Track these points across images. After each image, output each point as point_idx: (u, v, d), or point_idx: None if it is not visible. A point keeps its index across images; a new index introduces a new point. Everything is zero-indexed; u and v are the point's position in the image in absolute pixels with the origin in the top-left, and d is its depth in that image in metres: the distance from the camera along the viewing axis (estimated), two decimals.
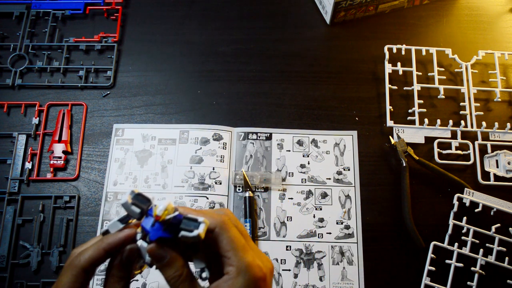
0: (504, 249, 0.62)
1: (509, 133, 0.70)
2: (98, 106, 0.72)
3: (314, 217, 0.65)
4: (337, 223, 0.65)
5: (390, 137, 0.69)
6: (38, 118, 0.70)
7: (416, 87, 0.72)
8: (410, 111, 0.72)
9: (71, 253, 0.37)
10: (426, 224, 0.65)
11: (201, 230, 0.35)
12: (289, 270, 0.62)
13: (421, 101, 0.71)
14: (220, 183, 0.66)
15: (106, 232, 0.37)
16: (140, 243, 0.36)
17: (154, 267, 0.37)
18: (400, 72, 0.74)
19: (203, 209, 0.37)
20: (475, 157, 0.69)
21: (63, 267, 0.36)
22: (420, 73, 0.74)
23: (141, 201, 0.36)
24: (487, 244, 0.63)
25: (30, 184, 0.67)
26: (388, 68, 0.74)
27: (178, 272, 0.36)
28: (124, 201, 0.36)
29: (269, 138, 0.70)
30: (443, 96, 0.72)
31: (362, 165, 0.68)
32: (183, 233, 0.35)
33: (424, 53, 0.75)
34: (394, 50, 0.75)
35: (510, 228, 0.64)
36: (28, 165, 0.67)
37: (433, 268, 0.62)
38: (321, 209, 0.66)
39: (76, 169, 0.68)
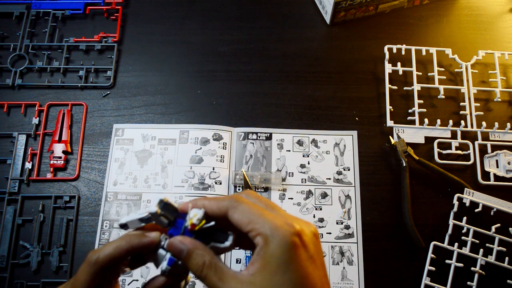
0: (504, 249, 0.62)
1: (509, 133, 0.70)
2: (98, 106, 0.72)
3: (314, 217, 0.65)
4: (337, 223, 0.65)
5: (390, 137, 0.69)
6: (38, 118, 0.70)
7: (416, 87, 0.72)
8: (410, 111, 0.72)
9: (89, 254, 0.35)
10: (426, 224, 0.65)
11: (230, 241, 0.34)
12: None
13: (421, 101, 0.71)
14: (220, 183, 0.66)
15: (124, 226, 0.36)
16: (159, 250, 0.35)
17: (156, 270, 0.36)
18: (400, 72, 0.74)
19: (217, 196, 0.35)
20: (475, 157, 0.69)
21: (81, 265, 0.35)
22: (420, 73, 0.74)
23: (169, 210, 0.36)
24: (487, 244, 0.63)
25: (30, 184, 0.67)
26: (388, 68, 0.74)
27: (201, 262, 0.33)
28: (153, 210, 0.35)
29: (269, 138, 0.70)
30: (443, 96, 0.72)
31: (362, 165, 0.68)
32: (214, 243, 0.34)
33: (424, 53, 0.75)
34: (394, 50, 0.75)
35: (510, 228, 0.64)
36: (28, 165, 0.67)
37: (433, 268, 0.62)
38: (321, 209, 0.66)
39: (76, 169, 0.68)
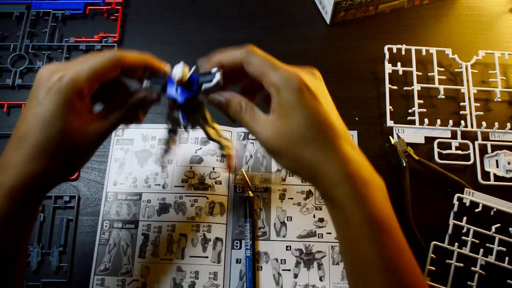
0: (504, 249, 0.62)
1: (509, 133, 0.70)
2: None
3: (314, 217, 0.65)
4: None
5: (390, 137, 0.69)
6: None
7: (416, 87, 0.72)
8: (410, 111, 0.72)
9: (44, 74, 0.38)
10: (426, 224, 0.65)
11: (218, 77, 0.41)
12: (289, 270, 0.62)
13: (421, 101, 0.71)
14: (220, 183, 0.66)
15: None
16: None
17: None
18: (400, 72, 0.74)
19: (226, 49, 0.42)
20: (475, 157, 0.69)
21: (45, 90, 0.36)
22: (420, 73, 0.74)
23: (158, 78, 0.44)
24: (487, 244, 0.63)
25: None
26: (388, 68, 0.74)
27: (238, 107, 0.41)
28: (145, 85, 0.43)
29: None
30: (443, 96, 0.72)
31: None
32: (205, 86, 0.42)
33: (424, 53, 0.75)
34: (394, 50, 0.75)
35: (510, 228, 0.64)
36: None
37: (433, 268, 0.62)
38: (321, 209, 0.66)
39: None
